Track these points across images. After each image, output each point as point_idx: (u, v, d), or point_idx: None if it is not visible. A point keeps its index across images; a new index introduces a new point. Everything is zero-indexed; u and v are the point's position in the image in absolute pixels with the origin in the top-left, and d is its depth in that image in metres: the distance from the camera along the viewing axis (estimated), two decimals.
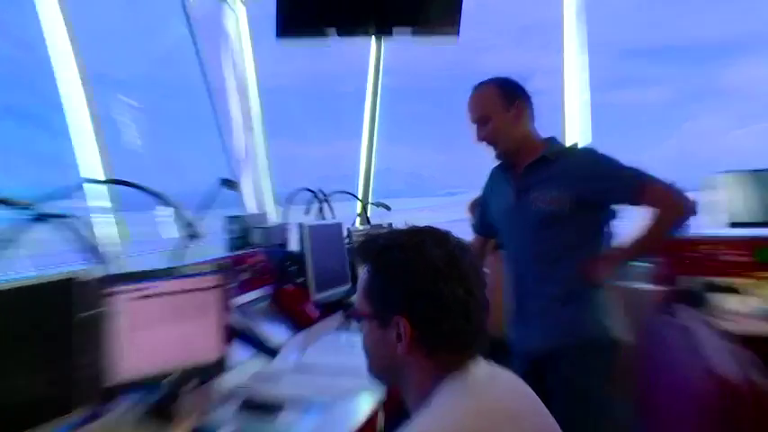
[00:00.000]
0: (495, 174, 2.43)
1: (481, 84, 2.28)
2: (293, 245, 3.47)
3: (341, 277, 3.23)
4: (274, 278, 3.03)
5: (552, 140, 2.29)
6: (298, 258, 3.02)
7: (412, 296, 1.17)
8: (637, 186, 2.10)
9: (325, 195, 3.64)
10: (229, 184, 2.86)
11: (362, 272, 1.26)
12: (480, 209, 2.51)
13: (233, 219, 3.45)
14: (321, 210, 3.61)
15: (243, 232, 3.43)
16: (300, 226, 2.99)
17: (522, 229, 2.25)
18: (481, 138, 2.24)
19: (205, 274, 2.08)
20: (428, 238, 1.21)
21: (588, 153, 2.19)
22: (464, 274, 1.19)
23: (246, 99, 4.72)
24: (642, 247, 2.18)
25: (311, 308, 2.89)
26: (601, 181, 2.13)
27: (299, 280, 3.01)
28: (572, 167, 2.17)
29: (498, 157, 2.28)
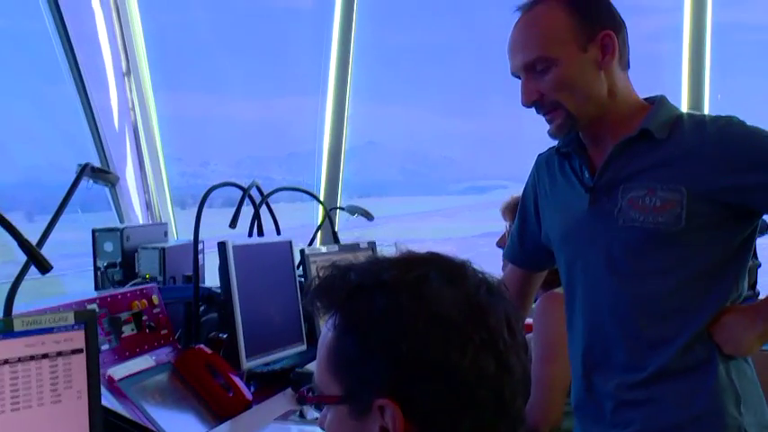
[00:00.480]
0: (548, 163, 2.06)
1: (537, 2, 1.86)
2: (209, 278, 3.20)
3: (289, 332, 2.84)
4: (177, 335, 2.62)
5: (660, 104, 1.86)
6: (217, 300, 2.68)
7: (405, 369, 1.00)
8: None
9: (262, 194, 3.08)
10: (98, 173, 2.91)
11: (325, 327, 1.06)
12: (520, 223, 2.16)
13: (105, 233, 3.12)
14: (257, 219, 3.04)
15: (123, 256, 3.09)
16: (221, 247, 2.58)
17: (602, 258, 1.85)
18: (533, 97, 1.83)
19: (57, 329, 1.81)
20: (434, 273, 1.03)
21: (729, 126, 1.79)
22: (495, 333, 1.02)
23: (122, 21, 4.25)
24: None
25: (240, 384, 2.49)
26: (756, 172, 1.73)
27: (220, 336, 2.62)
28: (698, 150, 1.77)
29: (560, 131, 1.87)
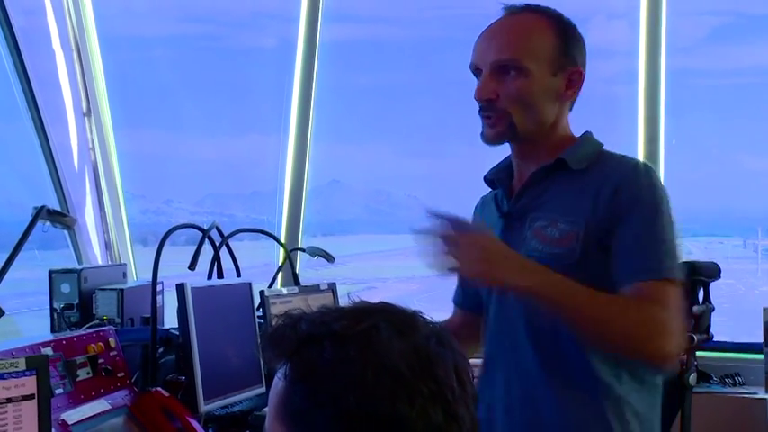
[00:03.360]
0: (484, 201, 2.06)
1: (527, 8, 1.85)
2: (167, 319, 3.07)
3: (248, 374, 2.78)
4: (134, 377, 2.55)
5: (584, 138, 1.89)
6: (175, 343, 2.62)
7: (353, 421, 0.99)
8: (651, 280, 1.73)
9: (222, 236, 3.02)
10: (54, 215, 2.86)
11: (276, 376, 1.05)
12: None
13: (62, 274, 3.08)
14: (216, 260, 3.01)
15: (80, 298, 3.04)
16: (180, 288, 2.55)
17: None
18: (490, 95, 1.79)
19: (8, 375, 1.80)
20: (383, 323, 1.03)
21: (638, 174, 1.79)
22: (443, 384, 1.01)
23: (83, 61, 4.19)
24: (580, 309, 1.71)
25: (197, 428, 2.37)
26: (627, 227, 1.73)
27: (179, 379, 2.54)
28: (602, 187, 1.77)
29: (497, 139, 1.85)
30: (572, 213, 1.78)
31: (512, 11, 1.85)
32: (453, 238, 1.66)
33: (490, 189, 2.03)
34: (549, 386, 1.80)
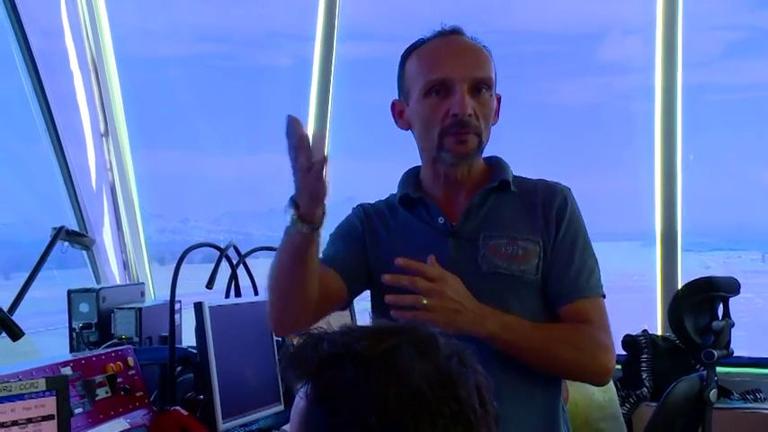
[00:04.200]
0: (378, 214, 1.95)
1: (476, 40, 1.85)
2: (186, 338, 3.08)
3: (266, 393, 2.78)
4: (153, 396, 2.58)
5: (503, 162, 1.90)
6: (193, 361, 2.64)
7: None
8: (582, 299, 1.79)
9: (240, 254, 3.03)
10: (72, 236, 2.93)
11: (297, 396, 1.05)
12: (345, 244, 1.96)
13: (81, 294, 3.08)
14: (234, 278, 3.02)
15: (98, 317, 3.05)
16: (198, 307, 2.54)
17: None
18: (470, 111, 1.76)
19: (28, 396, 1.81)
20: (404, 344, 1.03)
21: (569, 197, 1.85)
22: (465, 404, 1.01)
23: (101, 82, 4.23)
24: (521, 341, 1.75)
25: None
26: (561, 249, 1.79)
27: (197, 398, 2.59)
28: (543, 205, 1.81)
29: (470, 155, 1.82)
30: (527, 232, 1.81)
31: (461, 33, 1.84)
32: (430, 288, 1.68)
33: (376, 201, 1.98)
34: (507, 384, 1.76)
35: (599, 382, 1.88)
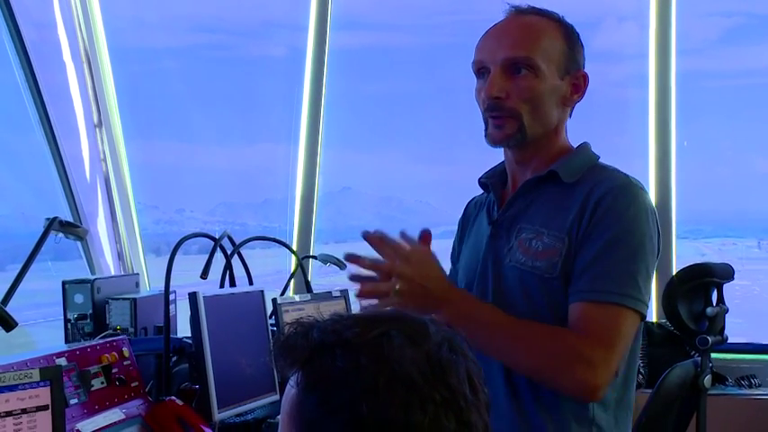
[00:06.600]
0: (476, 202, 1.99)
1: (533, 10, 1.79)
2: (181, 328, 3.10)
3: (261, 382, 2.76)
4: (148, 387, 2.57)
5: (580, 150, 1.82)
6: (188, 351, 2.65)
7: (366, 429, 0.99)
8: (592, 302, 1.65)
9: (234, 244, 3.01)
10: (66, 227, 2.90)
11: (288, 385, 1.05)
12: (459, 245, 2.03)
13: (75, 285, 3.08)
14: (228, 268, 2.99)
15: (93, 308, 3.05)
16: (192, 297, 2.54)
17: (489, 292, 1.79)
18: (501, 93, 1.70)
19: (22, 386, 1.82)
20: (395, 331, 1.02)
21: (622, 192, 1.71)
22: (456, 391, 1.01)
23: (94, 73, 4.22)
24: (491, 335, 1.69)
25: None
26: (591, 244, 1.66)
27: (192, 388, 2.57)
28: (586, 199, 1.70)
29: (506, 140, 1.76)
30: (557, 227, 1.74)
31: (519, 11, 1.79)
32: (401, 270, 1.63)
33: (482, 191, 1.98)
34: (514, 399, 1.75)
35: (577, 397, 1.67)
